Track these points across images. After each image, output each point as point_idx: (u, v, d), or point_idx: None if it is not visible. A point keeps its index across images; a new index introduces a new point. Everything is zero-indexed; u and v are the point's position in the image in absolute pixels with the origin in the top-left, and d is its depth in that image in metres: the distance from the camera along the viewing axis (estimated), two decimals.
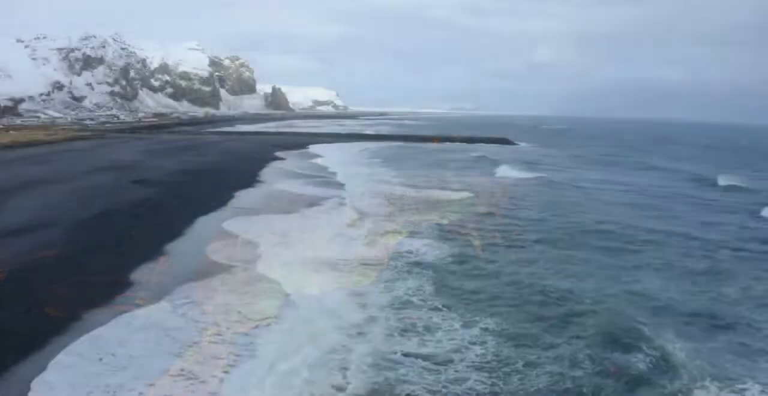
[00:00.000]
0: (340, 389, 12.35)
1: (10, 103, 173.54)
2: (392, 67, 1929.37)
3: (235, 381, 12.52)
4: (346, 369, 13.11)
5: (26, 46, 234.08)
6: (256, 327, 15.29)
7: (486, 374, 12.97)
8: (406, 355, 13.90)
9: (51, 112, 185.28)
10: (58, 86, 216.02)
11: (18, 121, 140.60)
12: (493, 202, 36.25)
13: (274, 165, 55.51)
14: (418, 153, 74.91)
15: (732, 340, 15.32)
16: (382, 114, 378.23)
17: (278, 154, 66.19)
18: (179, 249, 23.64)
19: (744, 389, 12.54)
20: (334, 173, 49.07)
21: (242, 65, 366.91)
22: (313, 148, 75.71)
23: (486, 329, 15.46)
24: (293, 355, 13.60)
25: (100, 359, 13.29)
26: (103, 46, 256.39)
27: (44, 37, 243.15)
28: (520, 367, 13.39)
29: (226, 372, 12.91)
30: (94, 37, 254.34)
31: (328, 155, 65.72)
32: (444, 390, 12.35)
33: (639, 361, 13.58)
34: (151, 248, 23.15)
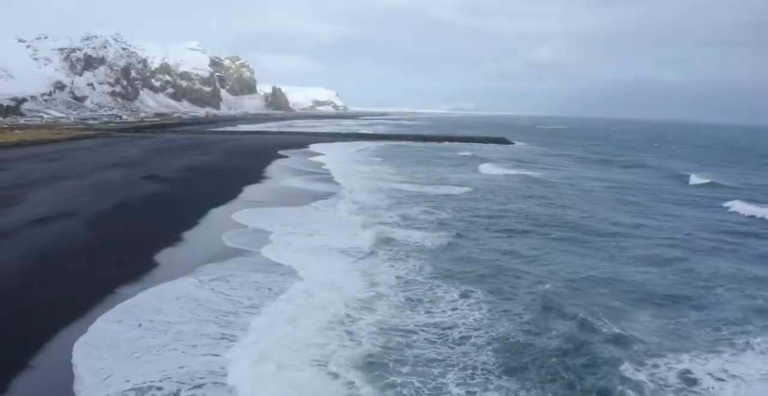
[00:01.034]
0: (358, 346, 14.06)
1: (12, 103, 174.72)
2: (392, 67, 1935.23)
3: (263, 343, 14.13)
4: (357, 333, 14.76)
5: (28, 46, 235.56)
6: (275, 301, 16.93)
7: (483, 332, 15.17)
8: (416, 323, 15.63)
9: (53, 112, 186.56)
10: (60, 86, 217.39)
11: (21, 120, 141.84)
12: (482, 197, 37.96)
13: (278, 163, 57.10)
14: (416, 151, 76.67)
15: (688, 315, 16.88)
16: (382, 114, 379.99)
17: (281, 152, 67.86)
18: (195, 236, 25.30)
19: (698, 356, 14.00)
20: (335, 170, 50.72)
21: (242, 65, 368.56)
22: (314, 147, 77.38)
23: (479, 300, 17.43)
24: (315, 323, 15.22)
25: (139, 325, 14.85)
26: (105, 47, 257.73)
27: (45, 38, 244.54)
28: (504, 323, 15.65)
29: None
30: (96, 37, 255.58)
31: (329, 154, 67.44)
32: (451, 351, 14.11)
33: (603, 327, 15.28)
34: (169, 235, 24.78)
